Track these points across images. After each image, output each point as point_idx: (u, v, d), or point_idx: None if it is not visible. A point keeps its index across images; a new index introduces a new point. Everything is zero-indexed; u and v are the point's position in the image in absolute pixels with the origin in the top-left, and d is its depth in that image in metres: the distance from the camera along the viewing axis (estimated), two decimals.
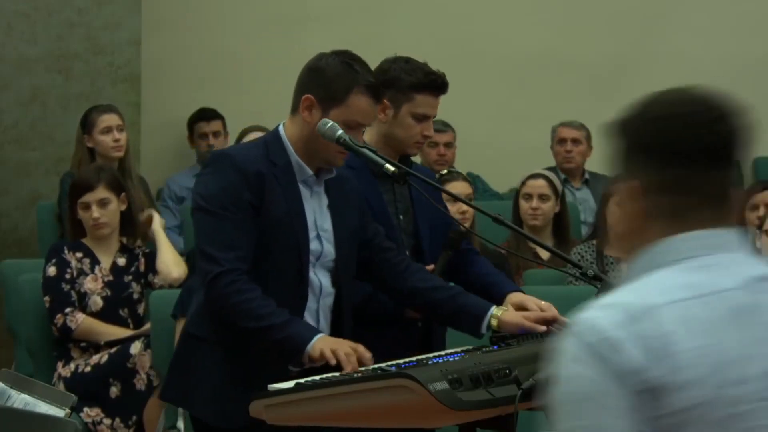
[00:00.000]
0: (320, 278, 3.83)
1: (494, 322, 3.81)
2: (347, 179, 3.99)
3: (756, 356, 1.91)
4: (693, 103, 2.08)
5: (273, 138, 3.87)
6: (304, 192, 3.83)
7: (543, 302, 3.87)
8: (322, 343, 3.59)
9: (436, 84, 4.19)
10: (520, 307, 3.88)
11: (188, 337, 3.84)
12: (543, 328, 3.78)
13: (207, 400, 3.72)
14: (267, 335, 3.62)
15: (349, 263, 3.91)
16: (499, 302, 3.95)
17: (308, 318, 3.78)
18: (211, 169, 3.79)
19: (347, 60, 3.83)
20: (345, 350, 3.53)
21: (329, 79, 3.79)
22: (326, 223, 3.86)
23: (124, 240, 5.86)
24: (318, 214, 3.85)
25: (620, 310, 1.91)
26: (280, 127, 3.88)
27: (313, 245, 3.80)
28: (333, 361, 3.51)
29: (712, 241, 2.00)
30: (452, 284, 4.00)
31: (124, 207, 5.83)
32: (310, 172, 3.83)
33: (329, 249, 3.85)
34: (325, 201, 3.88)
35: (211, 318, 3.74)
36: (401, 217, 4.24)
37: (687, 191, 2.01)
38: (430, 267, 4.01)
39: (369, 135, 4.24)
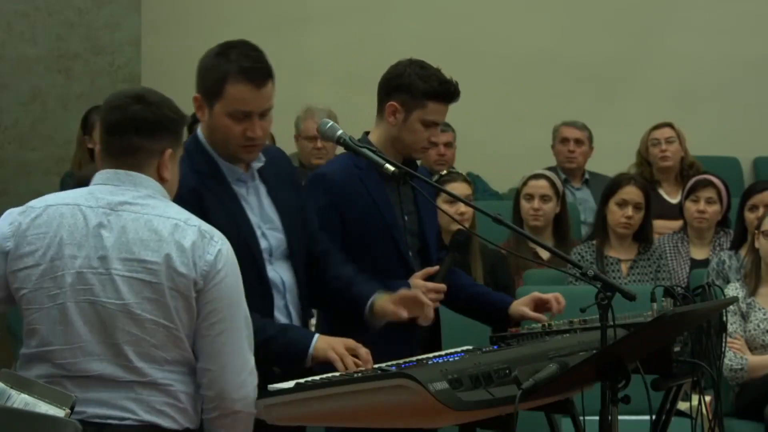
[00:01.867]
0: (281, 274, 3.77)
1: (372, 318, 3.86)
2: (276, 156, 3.89)
3: (85, 246, 3.15)
4: (117, 95, 3.31)
5: (194, 145, 3.74)
6: (241, 191, 3.74)
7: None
8: (323, 344, 3.59)
9: (449, 93, 4.19)
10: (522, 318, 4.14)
11: None
12: (406, 314, 3.78)
13: None
14: (265, 349, 3.59)
15: (300, 240, 3.83)
16: (501, 318, 4.20)
17: (279, 315, 3.74)
18: None
19: (224, 49, 3.67)
20: (341, 351, 3.54)
21: (204, 74, 3.67)
22: (271, 213, 3.79)
23: None
24: (260, 209, 3.77)
25: (25, 207, 3.22)
26: (198, 133, 3.76)
27: (262, 243, 3.74)
28: (340, 365, 3.51)
29: (103, 177, 3.24)
30: (346, 274, 3.96)
31: None
32: (240, 170, 3.73)
33: (279, 238, 3.78)
34: (263, 190, 3.80)
35: None
36: (406, 217, 4.25)
37: (104, 149, 3.27)
38: (435, 269, 4.02)
39: (375, 136, 4.24)
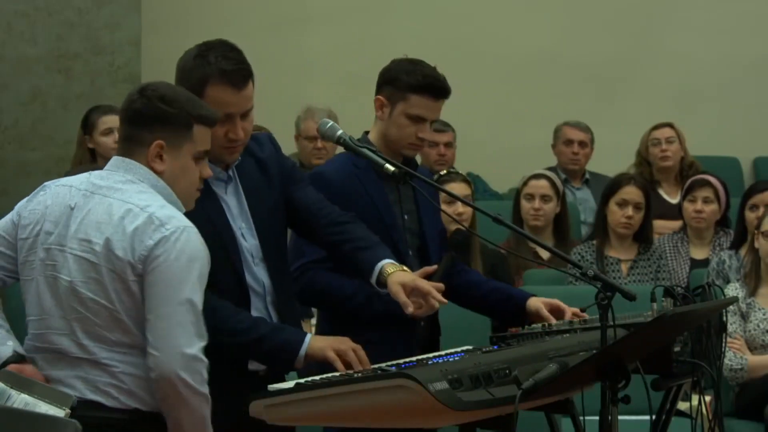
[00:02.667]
0: (261, 276, 3.76)
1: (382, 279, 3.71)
2: (256, 148, 3.86)
3: (60, 224, 3.35)
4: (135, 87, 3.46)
5: None
6: (220, 191, 3.74)
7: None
8: (320, 343, 3.59)
9: (433, 87, 4.15)
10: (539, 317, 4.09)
11: None
12: (412, 310, 3.67)
13: None
14: (256, 347, 3.60)
15: (272, 243, 3.81)
16: (519, 312, 4.15)
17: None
18: None
19: (203, 51, 3.68)
20: (340, 348, 3.54)
21: (184, 76, 3.69)
22: (250, 215, 3.78)
23: None
24: (240, 209, 3.76)
25: (43, 185, 3.48)
26: None
27: (246, 243, 3.73)
28: (340, 365, 3.51)
29: (108, 163, 3.44)
30: (351, 238, 3.87)
31: None
32: (218, 169, 3.72)
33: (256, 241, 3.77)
34: (241, 190, 3.79)
35: None
36: (405, 217, 4.24)
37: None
38: (433, 268, 4.02)
39: (373, 135, 4.24)
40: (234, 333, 3.58)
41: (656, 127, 7.88)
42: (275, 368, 3.70)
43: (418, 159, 4.44)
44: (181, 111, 3.38)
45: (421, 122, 4.17)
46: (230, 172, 3.77)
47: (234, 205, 3.76)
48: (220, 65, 3.63)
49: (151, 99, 3.38)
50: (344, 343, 3.58)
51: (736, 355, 5.81)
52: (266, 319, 3.69)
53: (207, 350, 3.37)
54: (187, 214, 3.43)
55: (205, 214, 3.60)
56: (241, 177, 3.79)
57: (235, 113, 3.65)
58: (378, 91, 4.22)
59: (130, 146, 3.41)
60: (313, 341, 3.60)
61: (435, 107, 4.19)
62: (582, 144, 7.99)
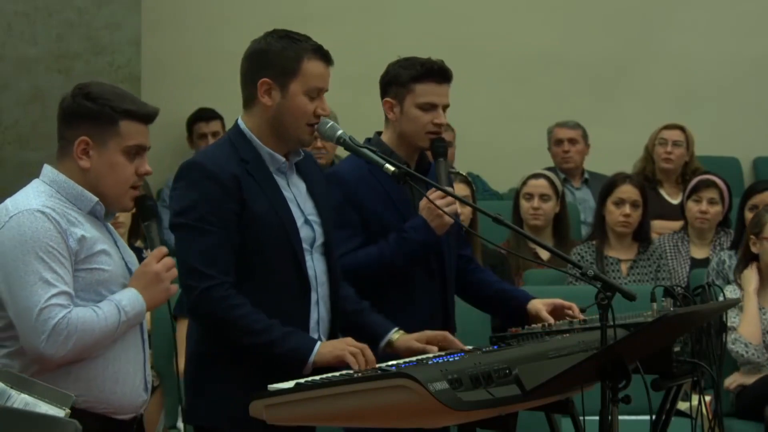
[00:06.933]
0: (315, 267, 3.77)
1: (389, 350, 3.89)
2: (308, 158, 3.93)
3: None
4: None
5: (236, 134, 3.77)
6: (281, 181, 3.77)
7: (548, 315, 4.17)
8: (329, 347, 3.59)
9: (432, 71, 4.23)
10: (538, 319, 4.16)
11: (195, 356, 3.77)
12: (434, 348, 3.81)
13: (224, 411, 3.67)
14: (267, 350, 3.59)
15: (335, 243, 3.87)
16: (521, 314, 4.23)
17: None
18: (184, 183, 3.70)
19: (284, 34, 3.77)
20: (352, 350, 3.54)
21: (276, 55, 3.72)
22: (310, 207, 3.81)
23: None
24: (300, 199, 3.79)
25: None
26: (240, 123, 3.78)
27: (304, 232, 3.74)
28: (351, 358, 3.53)
29: None
30: (363, 302, 3.99)
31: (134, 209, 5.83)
32: (282, 159, 3.76)
33: (319, 232, 3.79)
34: (303, 185, 3.83)
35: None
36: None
37: None
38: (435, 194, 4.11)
39: (386, 137, 4.27)
40: (248, 332, 3.59)
41: (667, 127, 7.86)
42: (284, 373, 3.67)
43: None
44: (103, 107, 3.46)
45: (433, 109, 4.23)
46: (291, 165, 3.81)
47: (296, 195, 3.79)
48: (311, 43, 3.75)
49: (76, 97, 3.50)
50: (350, 345, 3.58)
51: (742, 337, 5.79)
52: (279, 324, 3.65)
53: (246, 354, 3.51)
54: (254, 204, 3.58)
55: (268, 201, 3.68)
56: (304, 172, 3.85)
57: (323, 89, 3.77)
58: (383, 95, 4.29)
59: (61, 145, 3.53)
60: (321, 348, 3.60)
61: (441, 91, 4.25)
62: (571, 141, 7.98)
